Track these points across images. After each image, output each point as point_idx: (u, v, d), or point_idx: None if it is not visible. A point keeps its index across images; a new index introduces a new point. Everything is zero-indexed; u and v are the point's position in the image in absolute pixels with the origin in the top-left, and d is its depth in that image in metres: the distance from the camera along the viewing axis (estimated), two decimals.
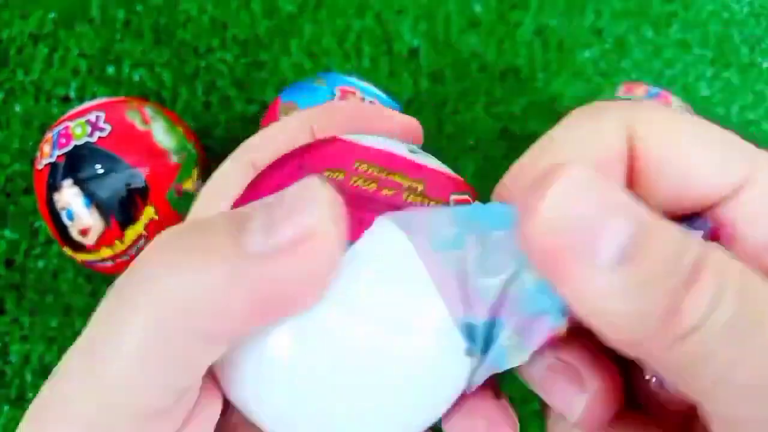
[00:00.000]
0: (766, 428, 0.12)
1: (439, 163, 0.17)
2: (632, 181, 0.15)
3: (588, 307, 0.12)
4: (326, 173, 0.15)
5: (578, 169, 0.12)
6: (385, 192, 0.15)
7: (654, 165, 0.15)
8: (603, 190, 0.12)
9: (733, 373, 0.12)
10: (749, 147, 0.14)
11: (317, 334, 0.14)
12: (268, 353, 0.14)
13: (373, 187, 0.15)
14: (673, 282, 0.12)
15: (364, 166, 0.15)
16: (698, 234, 0.14)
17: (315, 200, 0.13)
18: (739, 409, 0.12)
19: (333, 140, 0.16)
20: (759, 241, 0.14)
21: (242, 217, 0.13)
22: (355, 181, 0.15)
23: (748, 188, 0.14)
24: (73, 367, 0.13)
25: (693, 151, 0.14)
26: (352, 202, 0.14)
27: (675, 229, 0.12)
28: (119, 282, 0.13)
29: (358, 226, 0.14)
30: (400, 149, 0.16)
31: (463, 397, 0.15)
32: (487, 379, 0.15)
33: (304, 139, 0.18)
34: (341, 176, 0.15)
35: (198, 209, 0.18)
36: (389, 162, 0.16)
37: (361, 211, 0.14)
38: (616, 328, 0.12)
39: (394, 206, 0.15)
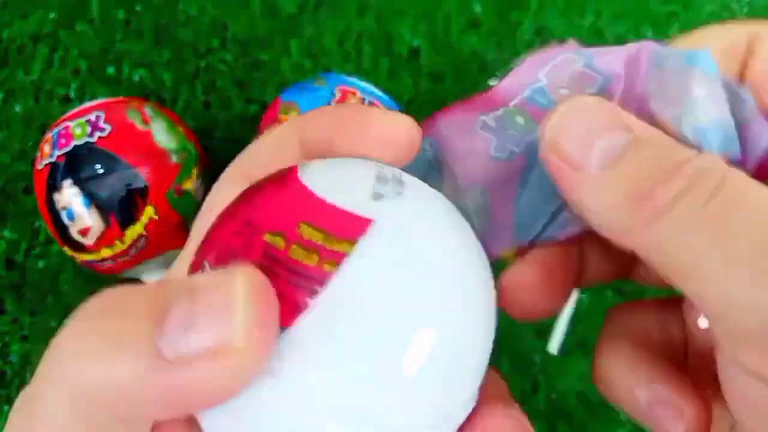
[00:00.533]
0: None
1: (425, 189, 0.16)
2: (743, 76, 0.17)
3: (586, 207, 0.15)
4: (266, 236, 0.14)
5: (586, 97, 0.15)
6: (326, 267, 0.13)
7: (761, 66, 0.17)
8: (599, 112, 0.15)
9: (699, 258, 0.13)
10: None
11: (255, 417, 0.13)
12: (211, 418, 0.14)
13: (314, 260, 0.14)
14: (651, 177, 0.14)
15: (308, 231, 0.14)
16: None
17: (234, 304, 0.13)
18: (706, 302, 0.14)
19: (286, 182, 0.15)
20: None
21: (162, 306, 0.13)
22: (294, 252, 0.14)
23: None
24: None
25: None
26: (289, 280, 0.13)
27: (666, 141, 0.15)
28: (46, 355, 0.14)
29: (292, 309, 0.13)
30: (363, 193, 0.15)
31: (472, 415, 0.15)
32: (495, 387, 0.16)
33: (292, 151, 0.17)
34: (281, 244, 0.14)
35: (193, 241, 0.18)
36: (337, 225, 0.14)
37: (297, 292, 0.13)
38: (605, 220, 0.15)
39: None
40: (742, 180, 0.14)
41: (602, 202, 0.15)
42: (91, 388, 0.13)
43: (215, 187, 0.18)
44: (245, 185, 0.17)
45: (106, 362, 0.13)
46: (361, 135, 0.17)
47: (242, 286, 0.13)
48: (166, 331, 0.13)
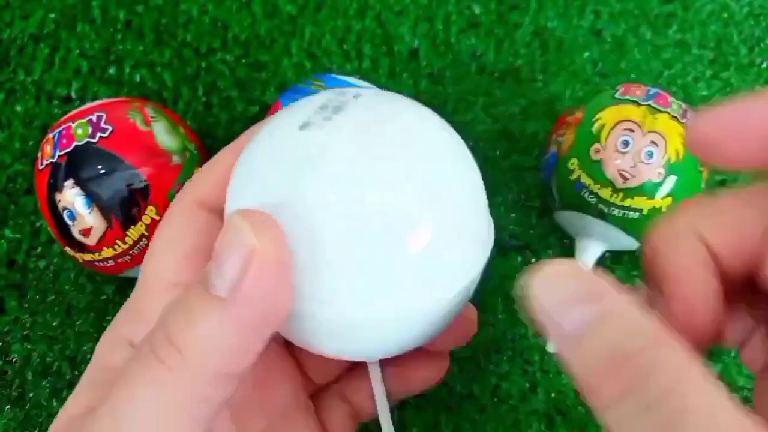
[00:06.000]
0: None
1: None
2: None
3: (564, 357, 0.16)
4: None
5: (558, 264, 0.16)
6: None
7: None
8: (574, 281, 0.16)
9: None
10: None
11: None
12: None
13: None
14: (604, 369, 0.15)
15: None
16: None
17: (239, 229, 0.16)
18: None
19: None
20: None
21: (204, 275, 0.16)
22: None
23: None
24: None
25: None
26: None
27: (630, 317, 0.15)
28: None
29: None
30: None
31: None
32: None
33: None
34: None
35: (150, 265, 0.21)
36: None
37: None
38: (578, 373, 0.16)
39: None
40: (687, 390, 0.14)
41: (574, 369, 0.16)
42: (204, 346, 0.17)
43: (167, 215, 0.20)
44: (197, 211, 0.20)
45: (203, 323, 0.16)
46: None
47: (238, 218, 0.16)
48: (210, 280, 0.16)
